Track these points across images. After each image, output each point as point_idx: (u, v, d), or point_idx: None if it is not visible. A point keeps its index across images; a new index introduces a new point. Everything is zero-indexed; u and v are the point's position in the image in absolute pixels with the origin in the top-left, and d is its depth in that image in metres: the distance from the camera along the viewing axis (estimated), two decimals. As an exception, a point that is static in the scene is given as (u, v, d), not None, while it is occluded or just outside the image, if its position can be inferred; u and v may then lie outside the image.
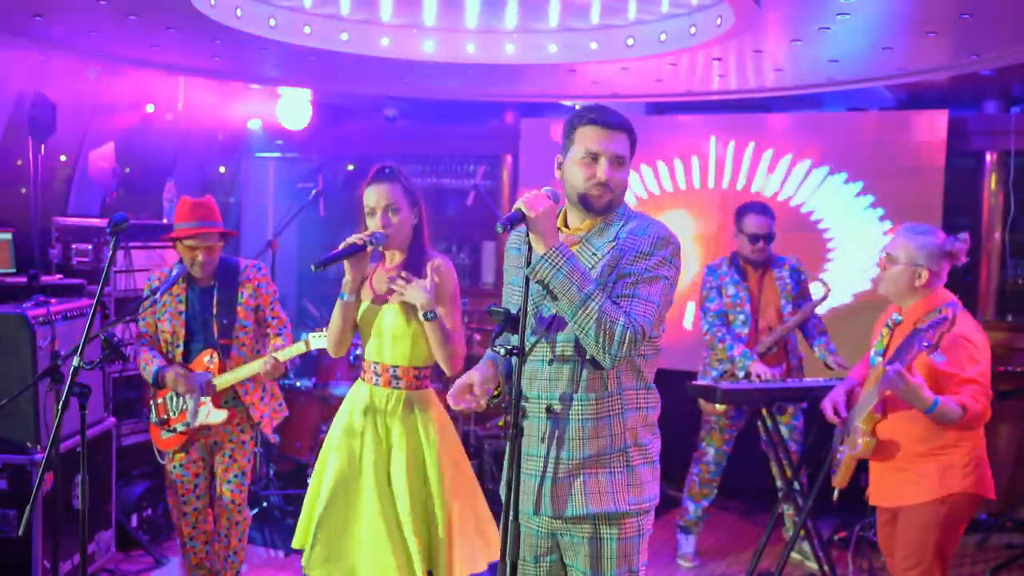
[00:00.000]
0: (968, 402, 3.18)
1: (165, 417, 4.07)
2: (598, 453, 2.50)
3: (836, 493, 3.64)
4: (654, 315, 2.43)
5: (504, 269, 2.76)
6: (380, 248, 3.27)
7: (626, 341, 2.36)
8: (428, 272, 3.25)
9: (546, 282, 2.38)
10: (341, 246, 3.18)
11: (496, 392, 2.63)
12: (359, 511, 3.28)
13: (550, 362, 2.52)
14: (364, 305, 3.36)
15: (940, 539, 3.29)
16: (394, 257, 3.39)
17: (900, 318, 3.43)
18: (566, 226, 2.60)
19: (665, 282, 2.47)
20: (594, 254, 2.51)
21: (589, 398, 2.49)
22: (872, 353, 3.52)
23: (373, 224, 3.27)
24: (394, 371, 3.33)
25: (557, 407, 2.50)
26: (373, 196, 3.27)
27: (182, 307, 4.04)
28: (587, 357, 2.47)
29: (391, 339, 3.31)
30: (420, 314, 3.22)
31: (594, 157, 2.49)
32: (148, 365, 4.02)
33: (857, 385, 3.65)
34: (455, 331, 3.31)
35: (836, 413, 3.58)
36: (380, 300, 3.34)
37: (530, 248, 2.42)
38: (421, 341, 3.31)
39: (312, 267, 3.09)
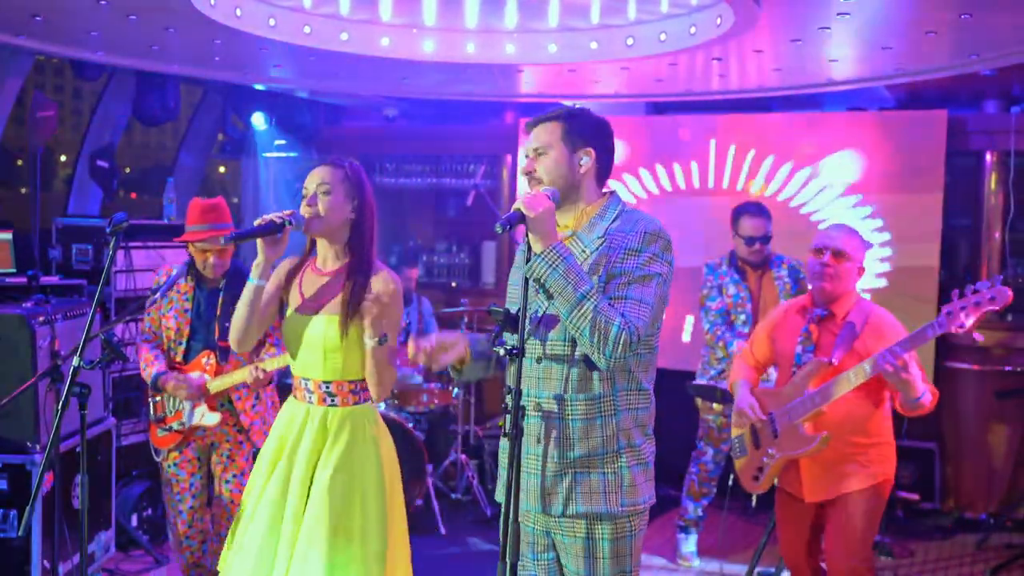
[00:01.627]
0: (932, 394, 3.31)
1: (162, 415, 4.07)
2: (589, 453, 2.50)
3: (755, 499, 3.62)
4: (649, 316, 2.44)
5: (509, 277, 2.78)
6: (300, 229, 2.94)
7: (621, 342, 2.37)
8: (372, 287, 2.95)
9: (542, 280, 2.40)
10: (257, 222, 2.89)
11: (458, 366, 2.66)
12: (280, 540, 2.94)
13: (539, 360, 2.53)
14: (289, 312, 3.06)
15: (875, 524, 3.44)
16: (326, 261, 3.07)
17: (824, 313, 3.45)
18: None
19: (658, 279, 2.48)
20: (583, 250, 2.52)
21: (579, 398, 2.50)
22: (799, 350, 3.50)
23: (302, 205, 2.97)
24: (327, 387, 3.01)
25: (546, 406, 2.51)
26: (310, 176, 3.00)
27: (188, 305, 4.04)
28: (577, 357, 2.48)
29: (323, 352, 2.98)
30: (372, 337, 2.91)
31: (526, 156, 2.64)
32: (148, 367, 4.02)
33: (754, 387, 3.65)
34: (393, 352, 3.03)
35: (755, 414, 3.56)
36: (309, 308, 3.02)
37: (529, 248, 2.44)
38: (355, 352, 2.99)
39: (221, 241, 2.91)
